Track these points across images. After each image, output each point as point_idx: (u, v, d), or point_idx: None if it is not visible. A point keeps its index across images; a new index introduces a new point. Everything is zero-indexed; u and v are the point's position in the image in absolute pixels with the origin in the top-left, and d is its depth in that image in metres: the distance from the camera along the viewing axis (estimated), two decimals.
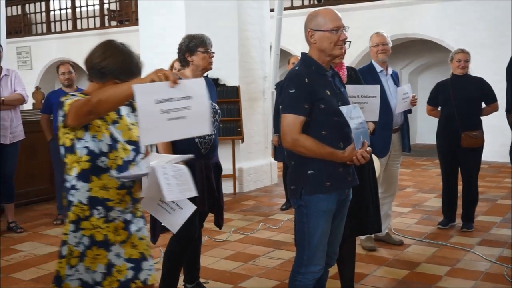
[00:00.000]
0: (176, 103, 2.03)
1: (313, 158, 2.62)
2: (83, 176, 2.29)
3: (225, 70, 7.40)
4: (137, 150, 2.38)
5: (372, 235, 4.69)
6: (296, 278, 2.79)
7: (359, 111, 2.70)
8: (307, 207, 2.68)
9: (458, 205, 5.44)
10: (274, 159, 7.45)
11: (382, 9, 10.89)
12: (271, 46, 8.43)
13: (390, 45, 4.57)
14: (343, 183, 2.71)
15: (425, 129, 12.16)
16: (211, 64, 3.47)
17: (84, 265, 2.30)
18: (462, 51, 5.20)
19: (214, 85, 3.73)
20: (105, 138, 2.28)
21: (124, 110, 2.42)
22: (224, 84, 7.55)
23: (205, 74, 3.69)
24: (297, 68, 2.72)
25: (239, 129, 7.45)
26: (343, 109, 2.61)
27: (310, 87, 2.61)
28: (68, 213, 2.35)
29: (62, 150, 2.33)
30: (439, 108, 5.39)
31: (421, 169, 9.28)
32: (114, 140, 2.30)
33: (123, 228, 2.38)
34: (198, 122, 2.09)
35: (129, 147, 2.34)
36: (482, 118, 5.28)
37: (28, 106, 10.53)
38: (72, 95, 2.31)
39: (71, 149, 2.29)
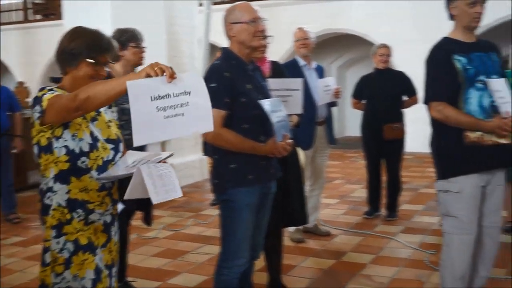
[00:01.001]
0: (174, 100, 1.88)
1: (236, 152, 2.63)
2: (62, 177, 2.15)
3: None
4: (116, 149, 2.26)
5: (301, 227, 4.77)
6: (221, 272, 2.80)
7: (280, 105, 2.73)
8: (231, 201, 2.69)
9: (383, 195, 5.62)
10: (205, 154, 7.42)
11: (311, 5, 11.05)
12: (199, 41, 8.39)
13: (312, 40, 4.67)
14: (265, 176, 2.74)
15: (353, 122, 12.44)
16: (143, 59, 3.42)
17: (71, 273, 2.16)
18: (384, 45, 5.38)
19: None
20: (86, 137, 2.15)
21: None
22: None
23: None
24: (217, 62, 2.73)
25: None
26: (264, 102, 2.63)
27: (231, 81, 2.62)
28: (46, 218, 2.18)
29: (36, 150, 2.18)
30: (364, 101, 5.54)
31: (350, 161, 9.52)
32: (95, 138, 2.18)
33: (103, 230, 2.25)
34: (199, 118, 1.95)
35: (109, 145, 2.22)
36: (407, 110, 5.47)
37: None
38: (50, 89, 2.15)
39: (47, 149, 2.14)
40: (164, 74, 1.86)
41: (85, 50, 2.15)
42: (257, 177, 2.69)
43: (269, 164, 2.75)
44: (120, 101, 3.24)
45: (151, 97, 1.85)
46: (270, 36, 3.48)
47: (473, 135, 2.79)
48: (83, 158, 2.15)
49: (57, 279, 2.17)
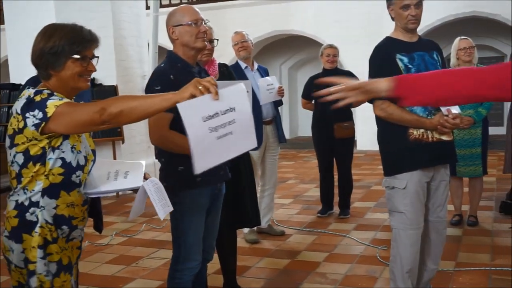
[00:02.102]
0: (222, 118, 1.78)
1: (183, 154, 2.61)
2: (51, 191, 1.98)
3: (101, 70, 7.13)
4: (94, 160, 2.14)
5: (255, 228, 4.78)
6: (174, 276, 2.78)
7: None
8: (180, 204, 2.66)
9: (335, 194, 5.70)
10: (156, 159, 7.35)
11: (261, 6, 11.13)
12: (148, 44, 8.32)
13: (250, 42, 4.72)
14: (214, 177, 2.73)
15: (305, 122, 12.60)
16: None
17: None
18: (331, 46, 5.46)
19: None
20: (83, 150, 2.03)
21: None
22: (100, 84, 7.33)
23: None
24: (162, 65, 2.71)
25: (119, 129, 7.26)
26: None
27: (176, 84, 2.59)
28: (26, 236, 1.97)
29: (19, 159, 1.96)
30: (313, 102, 5.61)
31: (303, 161, 9.62)
32: (87, 150, 2.08)
33: (78, 247, 2.16)
34: (244, 136, 1.86)
35: (92, 155, 2.12)
36: (357, 109, 5.56)
37: None
38: (50, 93, 1.94)
39: (38, 159, 1.94)
40: (209, 92, 1.78)
41: (67, 46, 1.96)
42: (206, 179, 2.67)
43: (218, 166, 2.73)
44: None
45: (202, 117, 1.76)
46: (215, 39, 3.50)
47: (416, 132, 2.86)
48: (79, 172, 2.02)
49: None
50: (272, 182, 4.99)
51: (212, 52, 3.53)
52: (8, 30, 7.69)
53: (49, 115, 1.86)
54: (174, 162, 2.64)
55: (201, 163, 1.80)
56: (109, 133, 7.17)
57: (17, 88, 7.16)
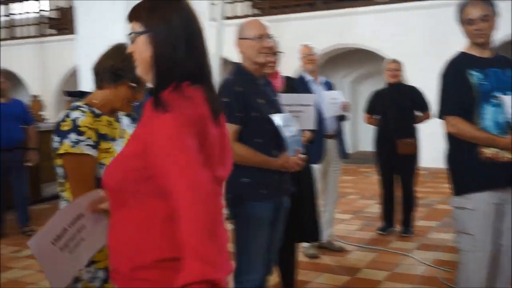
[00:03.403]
0: (70, 232, 1.83)
1: (248, 166, 2.62)
2: None
3: None
4: None
5: (315, 243, 4.73)
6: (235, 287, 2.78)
7: (291, 120, 2.73)
8: (244, 216, 2.68)
9: (397, 211, 5.57)
10: None
11: (321, 20, 11.08)
12: (211, 56, 8.43)
13: (316, 55, 4.70)
14: (278, 190, 2.73)
15: (366, 137, 12.41)
16: None
17: None
18: (394, 61, 5.39)
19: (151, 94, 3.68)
20: None
21: (125, 121, 2.25)
22: None
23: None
24: (229, 77, 2.74)
25: None
26: (275, 117, 2.63)
27: (242, 96, 2.62)
28: None
29: (60, 171, 2.09)
30: (377, 116, 5.52)
31: (363, 176, 9.46)
32: None
33: None
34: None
35: None
36: (421, 125, 5.43)
37: None
38: (74, 127, 2.00)
39: None
40: None
41: (132, 74, 2.01)
42: (270, 191, 2.68)
43: (282, 179, 2.74)
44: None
45: (51, 242, 1.81)
46: (280, 52, 3.50)
47: (488, 151, 2.75)
48: None
49: None
50: (333, 197, 4.93)
51: (277, 65, 3.54)
52: (79, 39, 7.97)
53: (60, 151, 2.00)
54: (239, 174, 2.63)
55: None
56: None
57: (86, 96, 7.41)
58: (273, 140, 2.65)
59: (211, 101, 1.47)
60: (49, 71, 13.67)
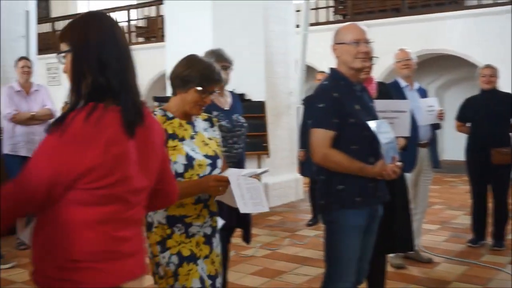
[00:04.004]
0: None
1: (343, 173, 2.60)
2: None
3: (250, 85, 7.43)
4: (213, 165, 2.37)
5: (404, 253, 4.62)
6: None
7: (387, 126, 2.67)
8: (337, 223, 2.65)
9: (488, 223, 5.33)
10: (301, 174, 7.41)
11: (408, 25, 10.84)
12: (295, 62, 8.45)
13: (414, 60, 4.57)
14: (373, 198, 2.68)
15: (452, 145, 11.99)
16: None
17: (180, 284, 2.28)
18: (488, 66, 5.18)
19: (239, 99, 3.75)
20: (180, 159, 2.28)
21: (201, 125, 2.45)
22: (249, 99, 7.57)
23: (231, 89, 3.71)
24: (325, 82, 2.72)
25: (265, 144, 7.43)
26: (372, 123, 2.59)
27: (339, 102, 2.60)
28: (150, 235, 2.34)
29: None
30: (468, 124, 5.32)
31: (449, 186, 9.15)
32: (190, 158, 2.30)
33: (204, 242, 2.36)
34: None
35: (207, 161, 2.34)
36: None
37: None
38: (154, 114, 2.29)
39: None
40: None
41: (197, 78, 2.31)
42: (364, 199, 2.64)
43: (377, 187, 2.69)
44: (217, 119, 3.33)
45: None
46: (375, 57, 3.44)
47: None
48: (179, 179, 2.25)
49: None
50: (423, 207, 4.79)
51: (371, 70, 3.49)
52: (168, 46, 8.24)
53: None
54: (333, 181, 2.63)
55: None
56: (255, 147, 7.36)
57: None
58: (369, 147, 2.61)
59: (126, 117, 1.56)
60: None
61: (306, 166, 5.99)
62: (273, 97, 7.84)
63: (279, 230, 6.12)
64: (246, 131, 3.57)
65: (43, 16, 17.15)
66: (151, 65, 13.05)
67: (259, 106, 7.53)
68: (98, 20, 1.64)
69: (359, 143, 2.61)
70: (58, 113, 5.95)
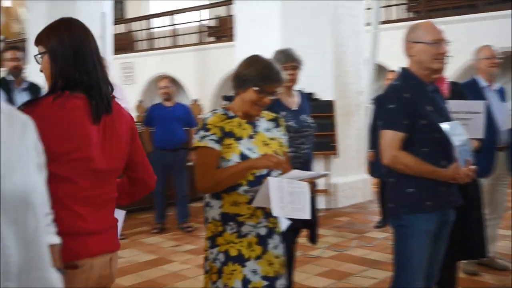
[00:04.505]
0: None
1: (414, 176, 2.53)
2: (216, 193, 2.34)
3: (319, 85, 7.39)
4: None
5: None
6: None
7: (460, 128, 2.58)
8: (407, 227, 2.59)
9: None
10: (370, 175, 7.29)
11: (483, 22, 10.42)
12: (365, 61, 8.31)
13: (498, 59, 4.35)
14: (445, 202, 2.60)
15: None
16: (289, 82, 3.37)
17: (222, 282, 2.31)
18: None
19: (307, 98, 3.72)
20: (233, 157, 2.29)
21: (264, 125, 2.45)
22: (318, 99, 7.52)
23: (299, 89, 3.70)
24: (396, 82, 2.65)
25: (333, 144, 7.37)
26: (445, 125, 2.50)
27: (410, 102, 2.53)
28: (205, 230, 2.42)
29: None
30: None
31: None
32: (244, 157, 2.30)
33: (257, 243, 2.34)
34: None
35: None
36: None
37: None
38: (205, 127, 2.33)
39: None
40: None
41: (255, 78, 2.32)
42: (435, 203, 2.56)
43: (449, 191, 2.60)
44: (284, 119, 3.31)
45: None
46: (450, 56, 3.33)
47: None
48: None
49: (213, 287, 2.34)
50: (499, 212, 4.59)
51: (443, 70, 3.37)
52: (238, 45, 8.32)
53: (193, 145, 2.37)
54: (403, 184, 2.57)
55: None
56: (323, 147, 7.31)
57: None
58: (441, 150, 2.53)
59: (92, 105, 1.80)
60: (207, 77, 14.45)
61: (375, 166, 5.87)
62: (343, 96, 7.75)
63: (347, 231, 6.05)
64: (313, 131, 3.55)
65: (118, 17, 17.75)
66: (222, 64, 13.24)
67: (328, 106, 7.47)
68: (71, 26, 1.86)
69: (431, 145, 2.53)
70: (131, 111, 6.16)
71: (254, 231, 2.34)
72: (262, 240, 2.35)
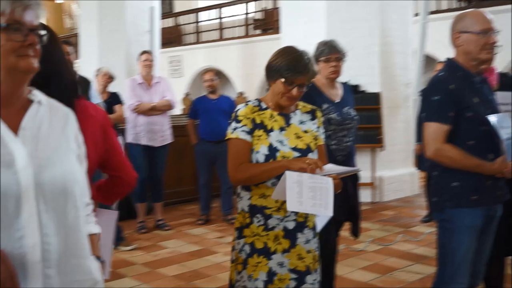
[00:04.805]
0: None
1: (458, 170, 2.46)
2: (245, 185, 2.34)
3: (365, 77, 7.30)
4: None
5: None
6: None
7: (509, 120, 2.49)
8: (451, 222, 2.52)
9: None
10: (417, 169, 7.15)
11: None
12: (414, 52, 8.14)
13: None
14: (491, 197, 2.52)
15: None
16: (333, 74, 3.38)
17: (247, 273, 2.31)
18: None
19: (351, 91, 3.67)
20: (262, 149, 2.27)
21: (298, 117, 2.40)
22: (364, 91, 7.42)
23: (345, 80, 3.65)
24: (441, 74, 2.58)
25: (379, 137, 7.26)
26: (492, 117, 2.42)
27: (456, 94, 2.46)
28: (236, 220, 2.42)
29: None
30: None
31: None
32: (273, 149, 2.28)
33: (284, 236, 2.30)
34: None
35: (294, 154, 2.29)
36: None
37: (178, 111, 11.19)
38: (236, 119, 2.32)
39: None
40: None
41: (282, 69, 2.28)
42: (481, 198, 2.49)
43: (496, 185, 2.52)
44: (326, 111, 3.29)
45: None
46: (499, 46, 3.22)
47: None
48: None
49: (237, 277, 2.35)
50: None
51: (492, 61, 3.27)
52: (283, 37, 8.30)
53: (226, 137, 2.36)
54: (448, 177, 2.50)
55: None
56: (369, 140, 7.23)
57: None
58: (488, 143, 2.45)
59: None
60: (252, 70, 14.48)
61: (423, 160, 5.76)
62: (390, 88, 7.62)
63: (393, 225, 5.96)
64: (357, 124, 3.51)
65: (167, 11, 18.00)
66: (268, 56, 13.18)
67: (374, 98, 7.37)
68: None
69: (477, 138, 2.46)
70: (177, 103, 6.24)
71: (281, 225, 2.30)
72: (290, 234, 2.30)
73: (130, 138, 5.72)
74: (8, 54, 1.38)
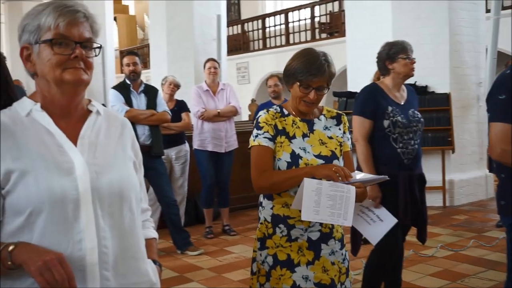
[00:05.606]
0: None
1: None
2: (268, 194, 2.29)
3: (434, 77, 7.10)
4: None
5: None
6: None
7: None
8: None
9: None
10: (490, 171, 6.88)
11: None
12: (486, 50, 7.84)
13: None
14: None
15: None
16: (413, 71, 3.36)
17: (270, 285, 2.23)
18: None
19: (415, 92, 3.59)
20: (284, 156, 2.22)
21: (322, 123, 2.33)
22: (433, 92, 7.21)
23: (412, 81, 3.58)
24: (508, 71, 2.47)
25: (450, 139, 7.03)
26: None
27: None
28: (257, 230, 2.33)
29: None
30: None
31: None
32: (296, 157, 2.22)
33: (308, 247, 2.22)
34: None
35: (318, 161, 2.22)
36: None
37: (245, 117, 11.28)
38: (258, 125, 2.28)
39: None
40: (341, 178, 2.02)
41: (297, 72, 2.22)
42: None
43: None
44: (392, 114, 3.23)
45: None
46: None
47: None
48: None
49: None
50: None
51: None
52: (348, 40, 8.21)
53: (250, 145, 2.31)
54: None
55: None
56: (439, 142, 7.01)
57: (353, 96, 7.57)
58: None
59: None
60: None
61: (497, 163, 5.53)
62: (460, 88, 7.37)
63: (464, 230, 5.74)
64: (422, 126, 3.42)
65: (235, 18, 18.25)
66: (334, 60, 12.94)
67: (444, 99, 7.15)
68: None
69: None
70: (242, 110, 6.31)
71: (305, 235, 2.22)
72: (314, 245, 2.22)
73: (196, 145, 5.83)
74: (55, 68, 1.44)
